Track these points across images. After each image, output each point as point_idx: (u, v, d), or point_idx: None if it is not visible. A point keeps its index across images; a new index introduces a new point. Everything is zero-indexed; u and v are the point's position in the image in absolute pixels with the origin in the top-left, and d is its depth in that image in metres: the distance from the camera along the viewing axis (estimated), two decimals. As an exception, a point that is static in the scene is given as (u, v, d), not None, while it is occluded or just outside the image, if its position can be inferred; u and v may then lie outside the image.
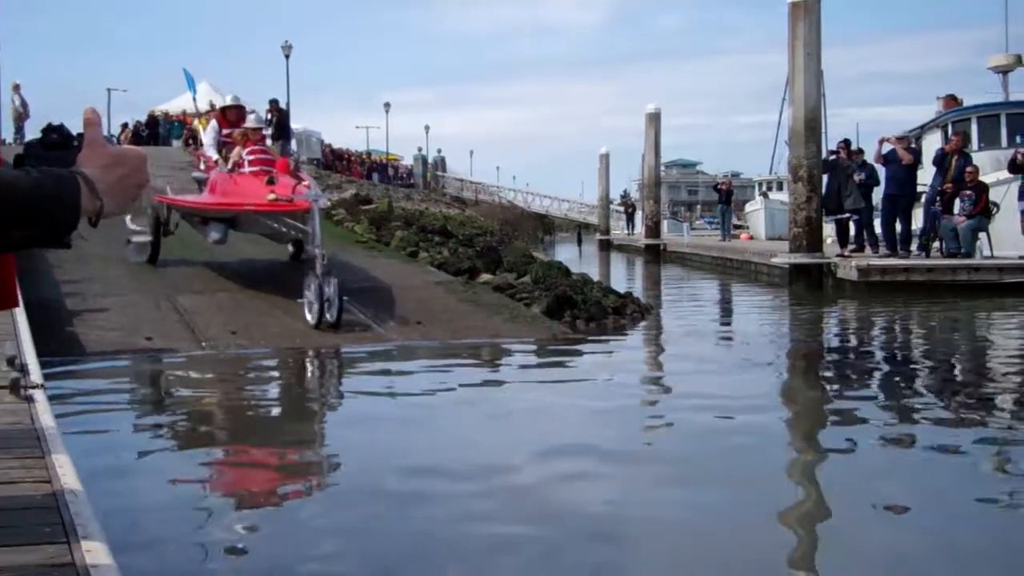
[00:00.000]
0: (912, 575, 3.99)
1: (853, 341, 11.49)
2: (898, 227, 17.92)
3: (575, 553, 4.08)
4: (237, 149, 12.16)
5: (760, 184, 44.90)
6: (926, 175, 18.36)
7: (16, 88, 23.68)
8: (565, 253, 37.39)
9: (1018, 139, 19.14)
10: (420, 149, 62.20)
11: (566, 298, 11.91)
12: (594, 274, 16.90)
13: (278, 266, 13.42)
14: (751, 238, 33.94)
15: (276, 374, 8.88)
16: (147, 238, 13.23)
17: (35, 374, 5.31)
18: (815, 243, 17.17)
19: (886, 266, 16.15)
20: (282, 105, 31.96)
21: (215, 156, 12.80)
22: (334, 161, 46.73)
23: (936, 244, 17.91)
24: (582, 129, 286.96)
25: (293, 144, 19.77)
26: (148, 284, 12.16)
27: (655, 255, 32.55)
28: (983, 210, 16.88)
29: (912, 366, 9.49)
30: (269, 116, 23.34)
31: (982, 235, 17.07)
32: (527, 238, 43.98)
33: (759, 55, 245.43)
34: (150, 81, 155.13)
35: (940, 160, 17.61)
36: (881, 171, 18.39)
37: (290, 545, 4.15)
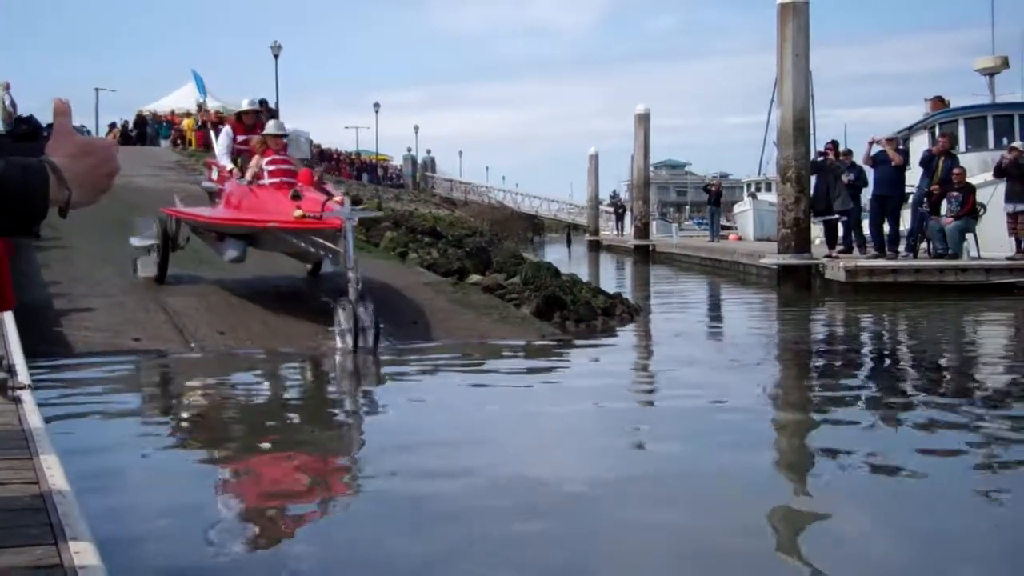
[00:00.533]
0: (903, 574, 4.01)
1: (841, 341, 11.52)
2: (886, 228, 17.99)
3: (551, 553, 4.08)
4: (256, 158, 11.19)
5: (748, 185, 44.98)
6: (913, 176, 18.44)
7: (6, 88, 23.60)
8: (555, 254, 37.41)
9: (1005, 140, 19.23)
10: (410, 149, 62.40)
11: (556, 299, 11.92)
12: (583, 275, 16.92)
13: (268, 263, 13.37)
14: (739, 239, 33.99)
15: (264, 375, 8.86)
16: (154, 254, 12.38)
17: (23, 375, 5.31)
18: (803, 244, 17.22)
19: (874, 267, 16.21)
20: (271, 105, 32.03)
21: (229, 165, 11.99)
22: (321, 161, 46.69)
23: (924, 245, 18.00)
24: (572, 130, 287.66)
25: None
26: (136, 285, 12.13)
27: (644, 256, 32.60)
28: (970, 211, 16.97)
29: (899, 366, 9.53)
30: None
31: (969, 236, 17.16)
32: (517, 239, 44.02)
33: (748, 56, 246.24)
34: (138, 81, 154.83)
35: (927, 161, 17.69)
36: (869, 172, 18.46)
37: (279, 545, 4.14)
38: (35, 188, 1.59)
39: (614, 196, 56.02)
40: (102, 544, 2.69)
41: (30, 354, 6.73)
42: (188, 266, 13.05)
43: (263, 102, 26.89)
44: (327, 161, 48.01)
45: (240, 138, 12.09)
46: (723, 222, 39.65)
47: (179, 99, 42.65)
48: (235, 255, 11.10)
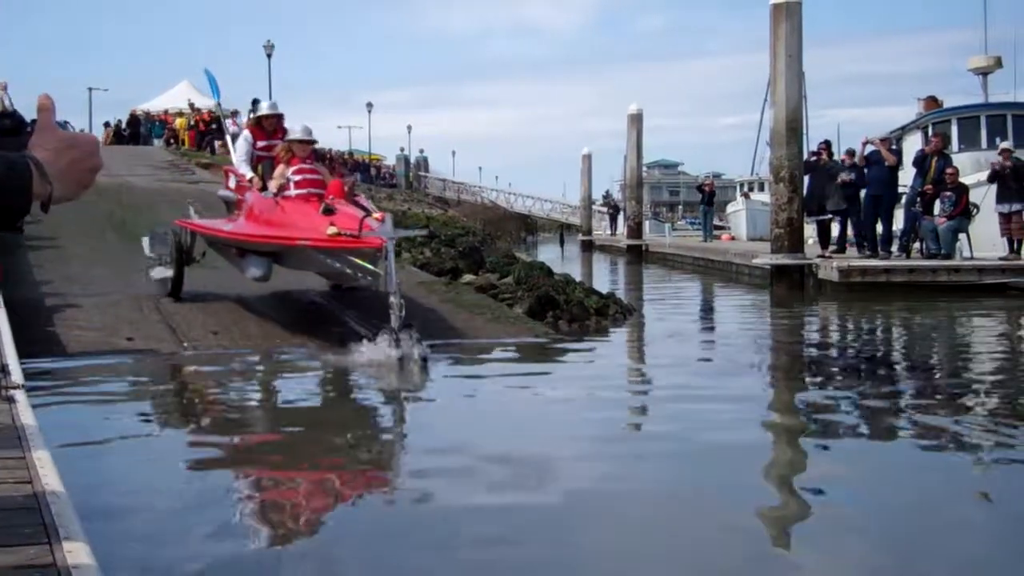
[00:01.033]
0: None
1: (834, 342, 11.55)
2: (879, 228, 18.02)
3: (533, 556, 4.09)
4: (280, 168, 10.25)
5: (741, 185, 45.06)
6: (907, 176, 18.46)
7: (3, 87, 23.58)
8: (547, 253, 37.40)
9: (998, 140, 19.27)
10: (402, 149, 62.23)
11: (549, 299, 11.92)
12: (576, 274, 16.92)
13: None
14: (732, 239, 34.03)
15: (257, 375, 8.85)
16: (168, 269, 11.47)
17: (16, 374, 5.30)
18: (796, 244, 17.22)
19: (867, 267, 16.23)
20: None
21: (249, 173, 10.97)
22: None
23: (917, 245, 18.03)
24: (564, 129, 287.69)
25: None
26: (130, 285, 12.10)
27: (637, 256, 32.61)
28: (963, 211, 17.00)
29: (891, 367, 9.55)
30: (252, 114, 23.23)
31: (962, 236, 17.20)
32: (510, 238, 44.03)
33: (741, 56, 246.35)
34: (131, 80, 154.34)
35: (920, 161, 17.72)
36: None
37: (273, 545, 4.14)
38: (17, 183, 1.58)
39: (607, 196, 56.04)
40: (95, 544, 2.68)
41: (23, 354, 6.72)
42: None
43: (255, 101, 26.86)
44: (320, 161, 47.90)
45: (260, 144, 11.18)
46: (716, 222, 39.66)
47: (172, 99, 42.62)
48: (259, 274, 10.27)
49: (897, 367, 9.51)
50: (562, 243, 52.92)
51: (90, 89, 49.85)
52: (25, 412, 4.39)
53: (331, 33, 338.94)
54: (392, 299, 8.49)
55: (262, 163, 10.94)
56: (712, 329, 13.21)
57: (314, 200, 9.60)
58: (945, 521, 4.54)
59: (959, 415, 6.66)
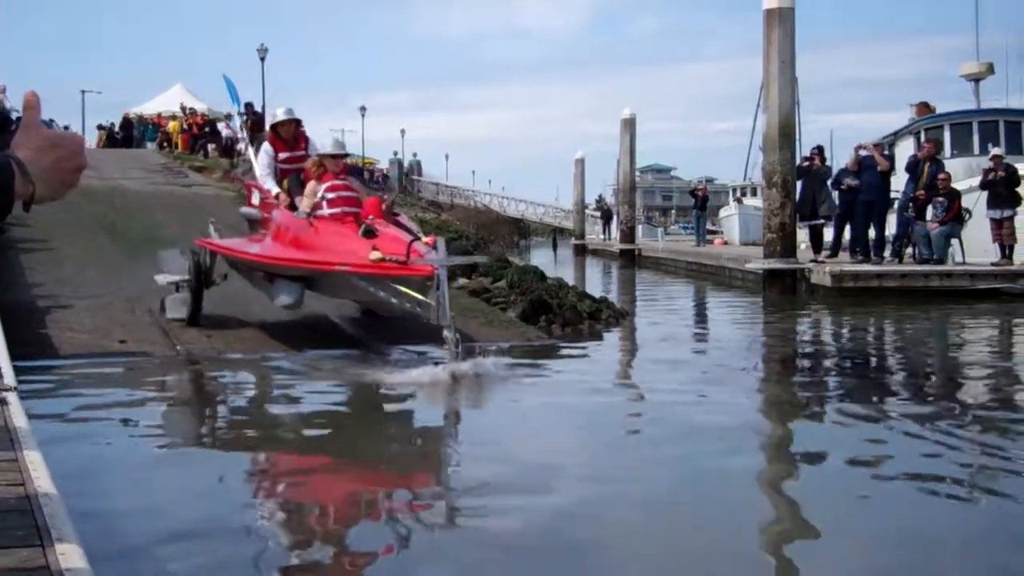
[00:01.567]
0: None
1: (826, 346, 11.56)
2: (872, 233, 18.05)
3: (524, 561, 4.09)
4: (311, 184, 9.44)
5: (734, 190, 45.11)
6: (899, 182, 18.51)
7: (2, 90, 23.59)
8: (540, 257, 37.38)
9: (990, 146, 19.33)
10: (396, 153, 62.32)
11: (542, 303, 11.92)
12: (569, 279, 16.91)
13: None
14: (725, 243, 34.11)
15: (250, 377, 8.83)
16: (184, 292, 10.53)
17: (8, 376, 5.29)
18: (789, 248, 17.28)
19: (859, 271, 16.27)
20: (257, 108, 31.94)
21: (275, 189, 10.19)
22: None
23: (909, 250, 18.07)
24: (558, 133, 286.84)
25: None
26: (122, 287, 12.06)
27: (630, 260, 32.64)
28: (955, 217, 17.06)
29: (883, 371, 9.57)
30: (245, 118, 23.22)
31: (954, 241, 17.27)
32: (503, 242, 44.03)
33: (734, 61, 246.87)
34: (125, 83, 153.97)
35: (913, 167, 17.78)
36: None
37: (266, 548, 4.14)
38: None
39: (600, 200, 56.15)
40: (88, 546, 2.68)
41: (16, 356, 6.70)
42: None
43: (248, 105, 26.88)
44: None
45: (282, 156, 10.35)
46: (709, 226, 39.77)
47: (165, 102, 42.57)
48: (289, 301, 9.39)
49: (889, 371, 9.53)
50: (555, 247, 52.89)
51: (83, 91, 49.83)
52: (17, 414, 4.38)
53: (328, 35, 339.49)
54: (446, 333, 7.78)
55: (288, 177, 10.25)
56: (705, 333, 13.21)
57: (350, 220, 9.00)
58: (939, 524, 4.55)
59: (947, 418, 6.68)
